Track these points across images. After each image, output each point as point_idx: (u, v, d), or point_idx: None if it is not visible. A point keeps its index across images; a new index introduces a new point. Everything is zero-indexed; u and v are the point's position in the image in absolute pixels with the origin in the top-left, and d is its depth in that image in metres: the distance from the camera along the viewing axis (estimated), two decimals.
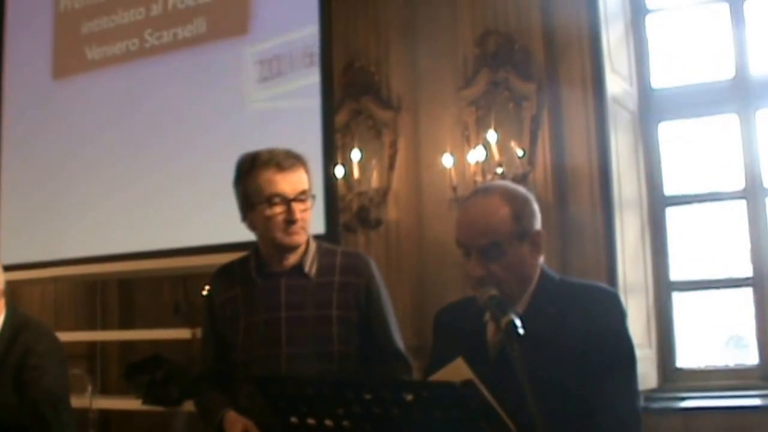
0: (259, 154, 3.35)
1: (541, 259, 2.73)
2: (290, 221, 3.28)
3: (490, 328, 2.67)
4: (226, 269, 3.55)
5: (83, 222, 6.20)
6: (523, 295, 2.68)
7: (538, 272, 2.72)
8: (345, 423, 2.19)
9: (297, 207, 3.29)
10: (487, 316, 2.63)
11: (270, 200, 3.28)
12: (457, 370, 2.32)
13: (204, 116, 5.85)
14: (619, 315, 2.66)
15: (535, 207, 2.71)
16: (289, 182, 3.29)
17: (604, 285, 2.94)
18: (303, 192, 3.31)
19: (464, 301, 2.90)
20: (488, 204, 2.65)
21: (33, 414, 3.96)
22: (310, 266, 3.39)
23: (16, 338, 4.12)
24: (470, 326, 2.74)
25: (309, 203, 3.34)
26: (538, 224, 2.69)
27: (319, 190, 4.49)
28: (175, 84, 6.04)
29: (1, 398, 3.99)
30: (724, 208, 5.80)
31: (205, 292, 3.64)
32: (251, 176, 3.32)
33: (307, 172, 3.38)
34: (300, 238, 3.34)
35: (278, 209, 3.28)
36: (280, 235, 3.30)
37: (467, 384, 2.04)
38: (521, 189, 2.77)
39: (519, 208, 2.65)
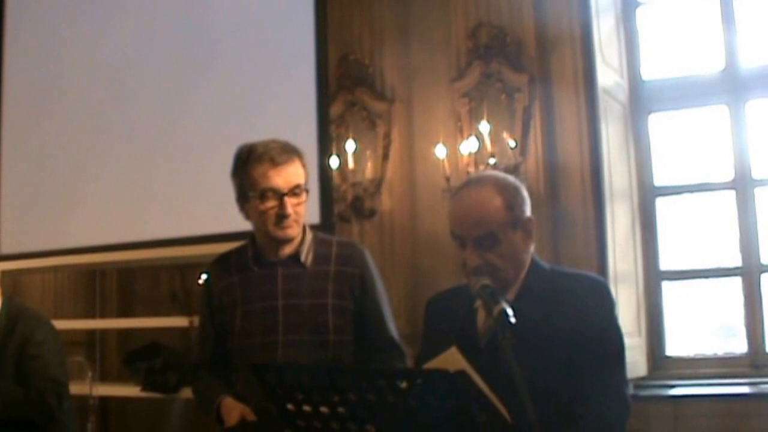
0: (254, 146, 3.36)
1: (532, 247, 2.76)
2: (283, 215, 3.30)
3: (481, 315, 2.70)
4: (223, 258, 3.57)
5: (83, 212, 6.21)
6: (515, 283, 2.71)
7: (529, 260, 2.76)
8: (340, 410, 2.21)
9: (290, 201, 3.30)
10: (478, 303, 2.64)
11: (263, 194, 3.30)
12: (451, 359, 2.34)
13: (201, 108, 5.86)
14: (608, 304, 2.69)
15: (525, 194, 2.74)
16: (283, 177, 3.30)
17: (593, 274, 2.97)
18: (297, 186, 3.32)
19: (455, 288, 2.93)
20: (481, 194, 2.67)
21: (39, 405, 4.00)
22: (306, 256, 3.42)
23: (14, 328, 4.15)
24: (461, 313, 2.77)
25: (303, 197, 3.36)
26: (528, 211, 2.73)
27: (314, 181, 4.50)
28: (173, 75, 6.04)
29: (7, 394, 4.01)
30: (713, 198, 5.85)
31: (202, 281, 3.67)
32: (246, 169, 3.34)
33: (303, 165, 3.39)
34: (292, 232, 3.36)
35: (271, 203, 3.30)
36: (272, 229, 3.33)
37: (460, 374, 2.06)
38: (511, 178, 2.80)
39: (511, 197, 2.69)
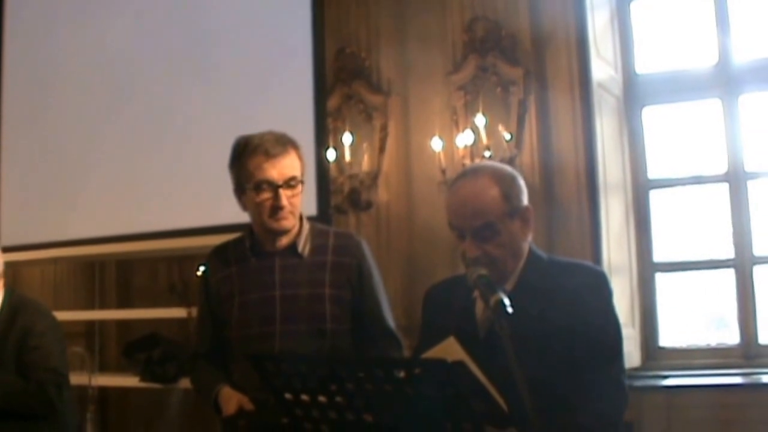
0: (250, 139, 3.39)
1: (530, 236, 2.78)
2: (277, 207, 3.33)
3: (479, 306, 2.72)
4: (221, 249, 3.60)
5: (82, 204, 6.21)
6: (513, 273, 2.74)
7: (527, 249, 2.78)
8: (338, 399, 2.22)
9: (285, 193, 3.33)
10: (476, 293, 2.65)
11: (258, 186, 3.33)
12: (449, 349, 2.36)
13: (199, 100, 5.86)
14: (606, 294, 2.72)
15: (522, 183, 2.77)
16: (278, 169, 3.33)
17: (591, 264, 3.01)
18: (292, 178, 3.36)
19: (453, 279, 2.96)
20: (478, 185, 2.70)
21: (39, 395, 4.02)
22: (304, 246, 3.45)
23: (15, 319, 4.17)
24: (459, 304, 2.79)
25: (298, 189, 3.39)
26: (525, 200, 2.75)
27: (311, 173, 4.52)
28: (170, 69, 6.04)
29: (8, 385, 4.03)
30: (706, 191, 5.86)
31: (200, 272, 3.70)
32: (242, 161, 3.37)
33: (299, 157, 3.41)
34: (287, 223, 3.39)
35: (266, 195, 3.33)
36: (267, 220, 3.36)
37: (458, 364, 2.08)
38: (508, 168, 2.83)
39: (508, 187, 2.71)
